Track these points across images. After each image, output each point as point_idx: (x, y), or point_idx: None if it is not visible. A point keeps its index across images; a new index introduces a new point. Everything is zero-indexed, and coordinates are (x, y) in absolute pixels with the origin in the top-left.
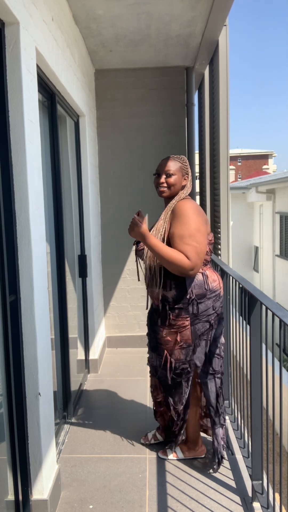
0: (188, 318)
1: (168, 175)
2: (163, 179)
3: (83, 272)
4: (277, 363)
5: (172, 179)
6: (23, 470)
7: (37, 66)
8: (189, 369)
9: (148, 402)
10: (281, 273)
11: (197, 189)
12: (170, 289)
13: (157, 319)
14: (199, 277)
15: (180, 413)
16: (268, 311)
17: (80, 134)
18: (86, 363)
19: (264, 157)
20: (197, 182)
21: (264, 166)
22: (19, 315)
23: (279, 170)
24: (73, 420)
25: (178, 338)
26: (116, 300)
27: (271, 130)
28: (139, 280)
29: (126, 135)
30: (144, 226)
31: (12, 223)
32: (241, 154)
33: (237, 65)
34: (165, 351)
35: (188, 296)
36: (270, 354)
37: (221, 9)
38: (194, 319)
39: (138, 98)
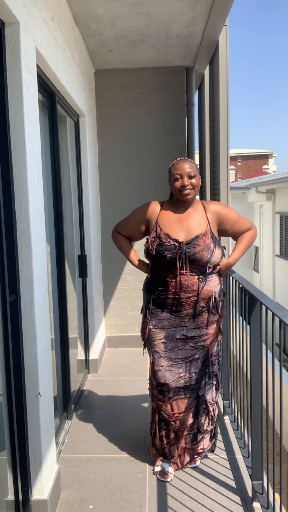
0: (223, 308)
1: (191, 177)
2: (187, 181)
3: (83, 272)
4: (277, 363)
5: (195, 181)
6: (23, 470)
7: (37, 66)
8: (219, 358)
9: (148, 402)
10: (281, 273)
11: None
12: (220, 285)
13: (200, 321)
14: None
15: (215, 409)
16: (268, 311)
17: (80, 134)
18: (86, 363)
19: (264, 157)
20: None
21: (264, 166)
22: (19, 315)
23: (279, 170)
24: (73, 420)
25: (219, 331)
26: (116, 300)
27: (271, 130)
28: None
29: (126, 135)
30: (224, 261)
31: (12, 223)
32: (241, 154)
33: (237, 65)
34: (208, 350)
35: (220, 286)
36: (270, 354)
37: (221, 9)
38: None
39: (138, 98)
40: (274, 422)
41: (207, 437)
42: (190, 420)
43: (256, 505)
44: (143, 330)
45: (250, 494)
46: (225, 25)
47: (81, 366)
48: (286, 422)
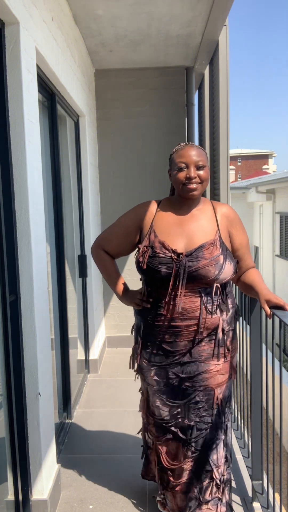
0: (237, 339)
1: (199, 167)
2: (194, 172)
3: (83, 272)
4: (277, 363)
5: (204, 173)
6: (23, 470)
7: (37, 66)
8: (229, 405)
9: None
10: (281, 273)
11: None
12: (229, 309)
13: (197, 353)
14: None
15: (224, 473)
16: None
17: (80, 134)
18: (86, 363)
19: (264, 157)
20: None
21: (264, 166)
22: (19, 315)
23: (279, 170)
24: (73, 420)
25: (232, 369)
26: (116, 300)
27: (271, 130)
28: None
29: (126, 135)
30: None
31: (12, 223)
32: (241, 154)
33: (237, 65)
34: (214, 392)
35: (234, 311)
36: (270, 354)
37: (221, 9)
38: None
39: (138, 98)
40: (274, 422)
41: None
42: (185, 477)
43: (256, 505)
44: (132, 357)
45: (250, 494)
46: (225, 25)
47: (81, 366)
48: (286, 422)
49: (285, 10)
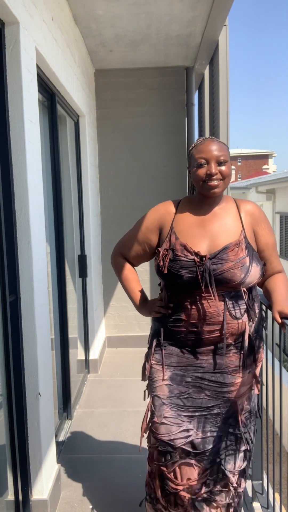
0: (263, 348)
1: (221, 163)
2: (215, 168)
3: (83, 272)
4: (277, 363)
5: (226, 169)
6: (23, 470)
7: (37, 66)
8: (253, 417)
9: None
10: None
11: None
12: (256, 314)
13: (224, 364)
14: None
15: (241, 484)
16: (268, 311)
17: (80, 134)
18: (86, 363)
19: (264, 157)
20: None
21: (264, 166)
22: (19, 315)
23: (279, 170)
24: (73, 420)
25: (254, 380)
26: (116, 300)
27: (271, 130)
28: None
29: (126, 135)
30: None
31: (12, 223)
32: (241, 154)
33: (237, 65)
34: (236, 404)
35: (262, 318)
36: (270, 354)
37: (221, 9)
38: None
39: (138, 98)
40: (274, 422)
41: None
42: (203, 494)
43: (256, 505)
44: (144, 367)
45: (250, 494)
46: (225, 25)
47: (81, 366)
48: (286, 422)
49: (285, 9)
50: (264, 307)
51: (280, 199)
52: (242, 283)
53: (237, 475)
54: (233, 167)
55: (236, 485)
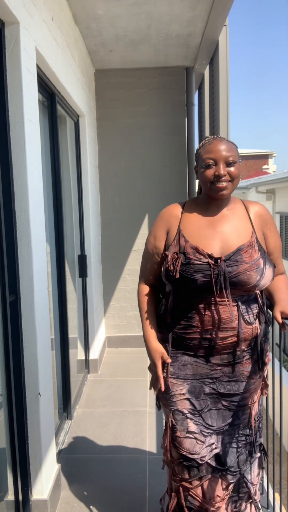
0: (269, 349)
1: (229, 164)
2: (223, 169)
3: (83, 272)
4: (277, 363)
5: (235, 169)
6: (23, 470)
7: (37, 66)
8: (261, 420)
9: (148, 402)
10: None
11: (197, 189)
12: (267, 319)
13: (239, 372)
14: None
15: (257, 492)
16: (268, 311)
17: (80, 134)
18: (86, 363)
19: (264, 157)
20: (197, 182)
21: (264, 166)
22: (19, 315)
23: (279, 170)
24: (73, 420)
25: (263, 383)
26: (116, 300)
27: (271, 130)
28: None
29: (126, 135)
30: None
31: (12, 223)
32: (241, 154)
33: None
34: (252, 410)
35: (267, 321)
36: (270, 354)
37: (221, 9)
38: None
39: (138, 98)
40: (274, 422)
41: None
42: (228, 509)
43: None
44: (156, 380)
45: None
46: (225, 25)
47: (81, 366)
48: (286, 422)
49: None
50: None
51: (280, 199)
52: (257, 285)
53: (256, 485)
54: None
55: (254, 496)
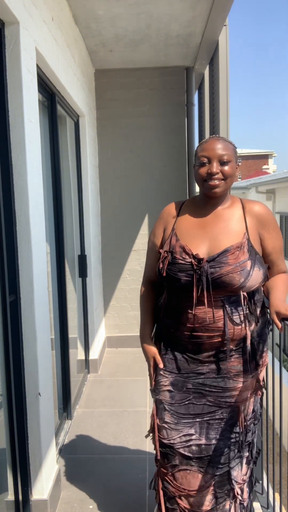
0: (267, 352)
1: (224, 163)
2: (216, 167)
3: (83, 272)
4: (277, 363)
5: (229, 169)
6: (23, 470)
7: (37, 66)
8: (255, 422)
9: (148, 402)
10: None
11: (197, 189)
12: (258, 319)
13: (226, 369)
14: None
15: (244, 489)
16: (268, 310)
17: (80, 134)
18: (86, 363)
19: (264, 157)
20: None
21: (264, 166)
22: (19, 315)
23: (279, 170)
24: (73, 420)
25: (258, 384)
26: (116, 300)
27: (271, 130)
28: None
29: (126, 135)
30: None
31: (12, 223)
32: (241, 154)
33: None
34: (239, 409)
35: (267, 322)
36: (270, 354)
37: (221, 9)
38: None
39: (138, 98)
40: (274, 422)
41: None
42: (208, 505)
43: (256, 505)
44: (149, 375)
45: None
46: (225, 25)
47: (81, 366)
48: (286, 422)
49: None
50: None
51: (280, 199)
52: (242, 287)
53: (242, 484)
54: None
55: (241, 498)
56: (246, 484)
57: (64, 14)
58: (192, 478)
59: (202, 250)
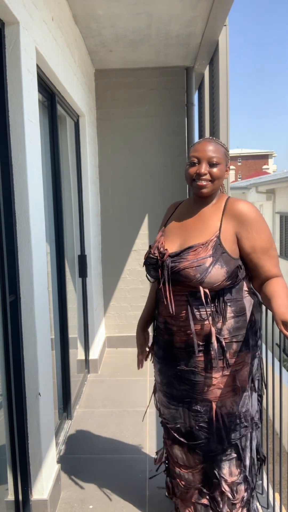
0: (249, 353)
1: (213, 164)
2: (205, 168)
3: (83, 272)
4: (277, 363)
5: (217, 170)
6: (23, 470)
7: (37, 66)
8: (245, 423)
9: (148, 402)
10: (282, 273)
11: None
12: (227, 318)
13: (196, 363)
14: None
15: (237, 490)
16: (268, 311)
17: (80, 134)
18: (86, 363)
19: (264, 157)
20: None
21: (264, 166)
22: (19, 315)
23: (279, 170)
24: (73, 420)
25: (238, 383)
26: (116, 300)
27: (271, 130)
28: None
29: (126, 135)
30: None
31: (12, 223)
32: (241, 154)
33: (238, 64)
34: (213, 404)
35: (249, 323)
36: (270, 354)
37: (221, 9)
38: (253, 353)
39: (138, 98)
40: (274, 422)
41: None
42: (195, 484)
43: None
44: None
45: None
46: (225, 25)
47: (81, 366)
48: (286, 422)
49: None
50: (256, 313)
51: (280, 199)
52: (201, 282)
53: (234, 483)
54: (233, 167)
55: (232, 497)
56: (239, 485)
57: (64, 14)
58: (183, 455)
59: (174, 247)
